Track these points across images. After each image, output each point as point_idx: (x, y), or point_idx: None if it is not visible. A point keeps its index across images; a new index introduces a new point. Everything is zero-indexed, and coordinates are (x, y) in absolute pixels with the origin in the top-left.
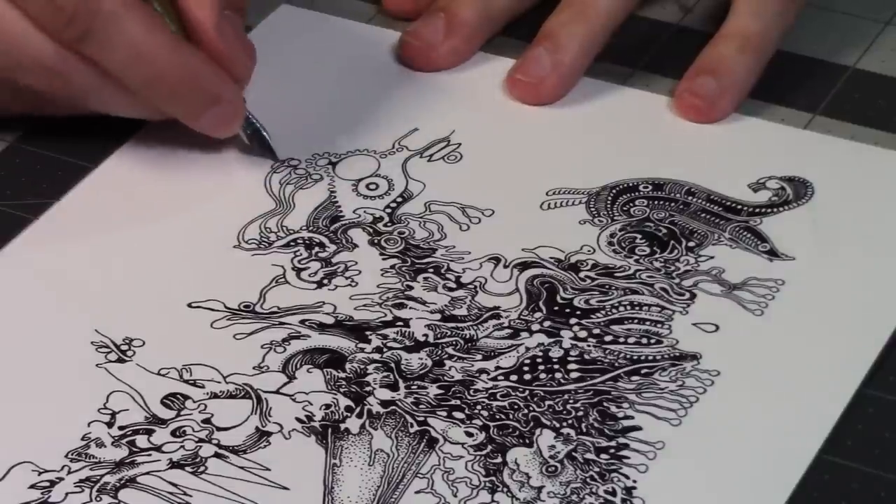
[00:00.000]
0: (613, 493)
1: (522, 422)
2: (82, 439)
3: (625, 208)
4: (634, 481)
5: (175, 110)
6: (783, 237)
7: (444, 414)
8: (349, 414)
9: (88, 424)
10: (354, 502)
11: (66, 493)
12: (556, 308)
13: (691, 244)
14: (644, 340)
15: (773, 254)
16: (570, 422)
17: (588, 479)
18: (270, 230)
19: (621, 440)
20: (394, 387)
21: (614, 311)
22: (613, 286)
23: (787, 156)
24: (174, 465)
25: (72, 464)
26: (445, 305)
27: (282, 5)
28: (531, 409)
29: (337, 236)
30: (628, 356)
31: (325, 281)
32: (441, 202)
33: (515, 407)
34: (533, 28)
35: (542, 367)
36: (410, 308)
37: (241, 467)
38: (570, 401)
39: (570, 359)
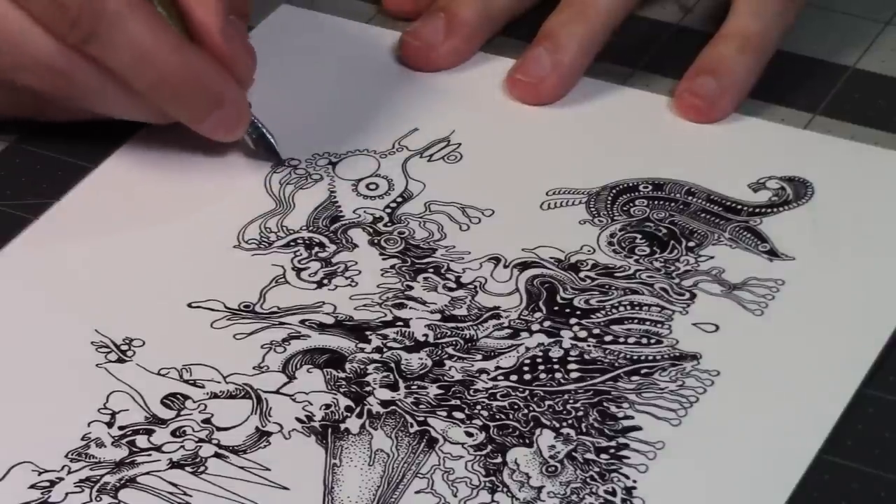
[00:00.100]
0: (613, 493)
1: (522, 422)
2: (82, 439)
3: (625, 208)
4: (634, 481)
5: (179, 113)
6: (783, 237)
7: (444, 414)
8: (349, 414)
9: (88, 424)
10: (354, 502)
11: (66, 493)
12: (556, 308)
13: (691, 244)
14: (644, 340)
15: (773, 254)
16: (570, 422)
17: (588, 479)
18: (270, 230)
19: (621, 440)
20: (394, 387)
21: (614, 311)
22: (613, 286)
23: (787, 156)
24: (174, 465)
25: (72, 464)
26: (445, 305)
27: (282, 5)
28: (531, 409)
29: (337, 236)
30: (628, 356)
31: (325, 281)
32: (441, 202)
33: (515, 407)
34: (533, 28)
35: (542, 367)
36: (410, 308)
37: (241, 467)
38: (570, 401)
39: (570, 359)
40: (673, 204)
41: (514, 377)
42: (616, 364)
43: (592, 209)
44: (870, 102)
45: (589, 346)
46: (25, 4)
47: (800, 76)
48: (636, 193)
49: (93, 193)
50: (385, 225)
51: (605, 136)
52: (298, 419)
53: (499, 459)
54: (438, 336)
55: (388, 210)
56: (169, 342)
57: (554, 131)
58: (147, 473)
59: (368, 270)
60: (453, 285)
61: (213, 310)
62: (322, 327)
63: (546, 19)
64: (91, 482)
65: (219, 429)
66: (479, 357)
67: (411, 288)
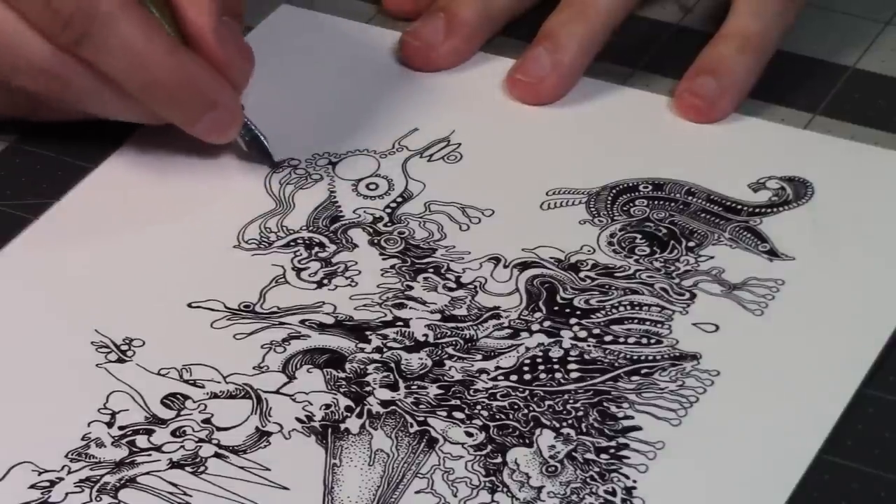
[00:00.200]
0: (613, 493)
1: (522, 422)
2: (82, 439)
3: (625, 208)
4: (634, 481)
5: (172, 115)
6: (783, 237)
7: (444, 414)
8: (349, 414)
9: (88, 424)
10: (354, 502)
11: (66, 493)
12: (556, 308)
13: (691, 244)
14: (644, 340)
15: (773, 254)
16: (570, 422)
17: (588, 479)
18: (270, 230)
19: (621, 440)
20: (394, 387)
21: (614, 311)
22: (613, 286)
23: (787, 156)
24: (174, 465)
25: (72, 464)
26: (445, 305)
27: (282, 5)
28: (531, 409)
29: (337, 236)
30: (628, 356)
31: (325, 281)
32: (441, 202)
33: (515, 407)
34: (533, 28)
35: (542, 367)
36: (410, 308)
37: (241, 467)
38: (570, 401)
39: (570, 359)
40: (673, 204)
41: (514, 377)
42: (616, 364)
43: (592, 209)
44: (870, 102)
45: (589, 346)
46: (18, 6)
47: (800, 76)
48: (636, 193)
49: (93, 193)
50: (385, 225)
51: (605, 136)
52: (298, 419)
53: (499, 459)
54: (438, 336)
55: (388, 210)
56: (169, 342)
57: (554, 131)
58: (147, 473)
59: (368, 270)
60: (453, 285)
61: (213, 310)
62: (322, 327)
63: (546, 19)
64: (91, 482)
65: (219, 429)
66: (479, 357)
67: (411, 288)
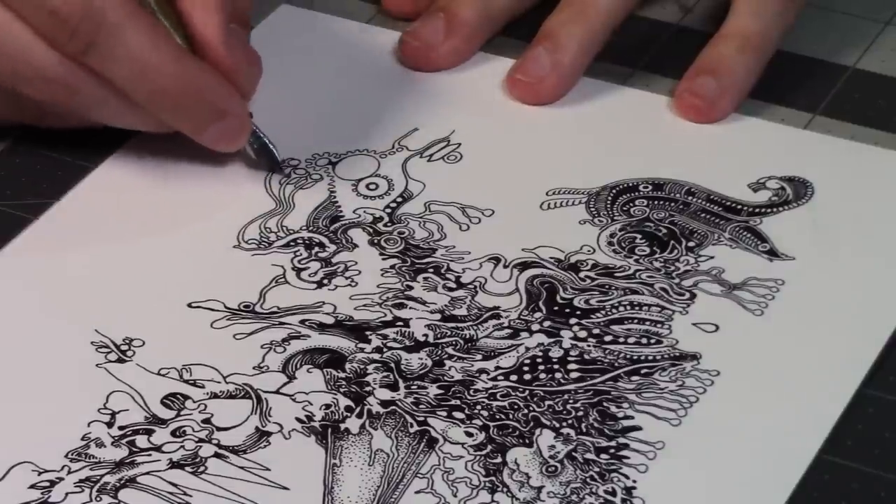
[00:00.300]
0: (613, 493)
1: (522, 422)
2: (82, 439)
3: (625, 208)
4: (634, 481)
5: (179, 123)
6: (783, 237)
7: (444, 414)
8: (349, 414)
9: (88, 424)
10: (354, 502)
11: (66, 493)
12: (555, 308)
13: (691, 244)
14: (644, 340)
15: (773, 254)
16: (570, 422)
17: (588, 479)
18: (270, 230)
19: (621, 440)
20: (394, 387)
21: (614, 311)
22: (613, 286)
23: (787, 156)
24: (174, 465)
25: (72, 464)
26: (445, 305)
27: (282, 5)
28: (531, 409)
29: (337, 236)
30: (628, 356)
31: (325, 281)
32: (441, 202)
33: (515, 407)
34: (533, 28)
35: (541, 367)
36: (410, 308)
37: (241, 467)
38: (570, 401)
39: (569, 359)
40: (673, 204)
41: (514, 377)
42: (616, 364)
43: (592, 209)
44: (870, 102)
45: (589, 346)
46: (26, 16)
47: (800, 76)
48: (636, 193)
49: (93, 194)
50: (385, 225)
51: (605, 136)
52: (298, 419)
53: (499, 459)
54: (438, 336)
55: (388, 210)
56: (169, 342)
57: (554, 131)
58: (147, 473)
59: (368, 270)
60: (453, 285)
61: (213, 310)
62: (322, 327)
63: (546, 19)
64: (91, 482)
65: (219, 429)
66: (479, 357)
67: (411, 288)
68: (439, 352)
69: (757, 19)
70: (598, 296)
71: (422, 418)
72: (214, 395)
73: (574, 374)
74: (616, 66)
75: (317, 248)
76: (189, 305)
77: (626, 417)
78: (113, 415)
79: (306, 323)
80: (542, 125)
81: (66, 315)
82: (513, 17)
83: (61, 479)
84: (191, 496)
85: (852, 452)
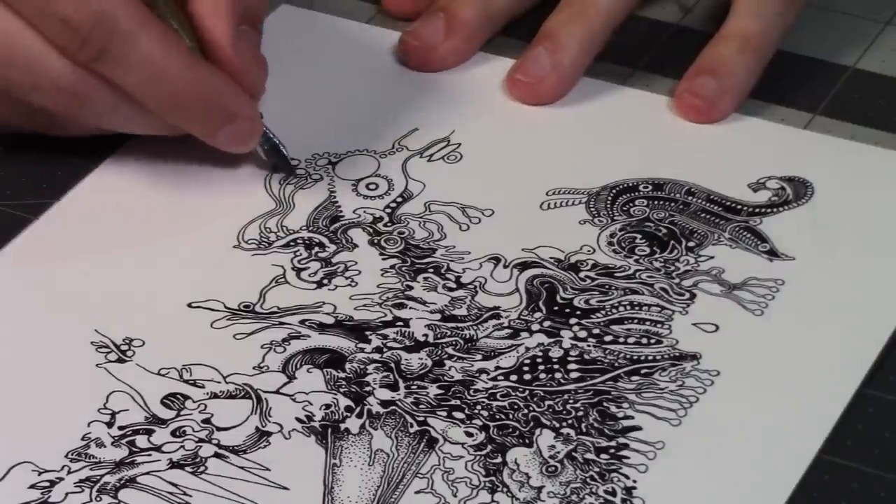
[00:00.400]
0: (613, 493)
1: (522, 422)
2: (82, 439)
3: (625, 208)
4: (634, 481)
5: (191, 128)
6: (783, 237)
7: (444, 414)
8: (349, 414)
9: (88, 424)
10: (354, 502)
11: (66, 493)
12: (555, 308)
13: (691, 244)
14: (644, 340)
15: (773, 254)
16: (569, 422)
17: (588, 479)
18: (270, 230)
19: (621, 440)
20: (394, 387)
21: (614, 311)
22: (613, 286)
23: (787, 156)
24: (174, 465)
25: (72, 464)
26: (445, 305)
27: (282, 5)
28: (531, 409)
29: (337, 236)
30: (628, 356)
31: (325, 281)
32: (441, 202)
33: (515, 407)
34: (533, 28)
35: (541, 367)
36: (410, 308)
37: (241, 467)
38: (570, 401)
39: (569, 359)
40: (673, 204)
41: (513, 377)
42: (616, 364)
43: (592, 209)
44: (870, 102)
45: (589, 346)
46: (37, 24)
47: (800, 76)
48: (636, 193)
49: (93, 193)
50: (385, 225)
51: (605, 136)
52: (298, 419)
53: (499, 459)
54: (438, 336)
55: (388, 210)
56: (169, 342)
57: (554, 131)
58: (147, 473)
59: (368, 270)
60: (453, 285)
61: (213, 310)
62: (322, 327)
63: (546, 19)
64: (91, 482)
65: (219, 429)
66: (478, 357)
67: (411, 288)
68: (439, 352)
69: (757, 19)
70: (598, 296)
71: (422, 418)
72: (214, 395)
73: (574, 374)
74: (616, 66)
75: (317, 248)
76: (189, 305)
77: (626, 417)
78: (113, 415)
79: (306, 323)
80: (542, 125)
81: (66, 315)
82: (513, 17)
83: (61, 479)
84: (191, 496)
85: (852, 452)
